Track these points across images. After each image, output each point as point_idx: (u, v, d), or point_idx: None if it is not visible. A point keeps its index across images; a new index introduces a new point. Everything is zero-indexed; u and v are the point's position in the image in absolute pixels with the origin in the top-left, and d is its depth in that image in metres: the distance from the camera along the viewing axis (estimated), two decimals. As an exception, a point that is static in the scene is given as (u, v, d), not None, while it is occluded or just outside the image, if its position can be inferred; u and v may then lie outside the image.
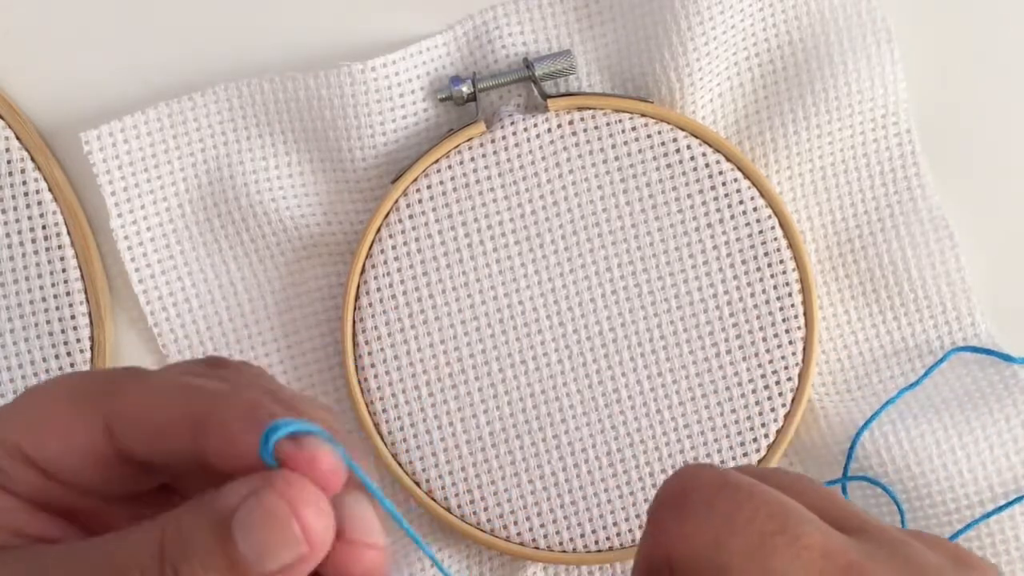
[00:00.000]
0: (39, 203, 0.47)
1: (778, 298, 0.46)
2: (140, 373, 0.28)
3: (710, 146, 0.46)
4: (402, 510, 0.48)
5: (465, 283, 0.46)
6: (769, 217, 0.46)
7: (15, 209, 0.47)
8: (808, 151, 0.47)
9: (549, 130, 0.46)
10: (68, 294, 0.47)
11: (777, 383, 0.45)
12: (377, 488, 0.25)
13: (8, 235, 0.47)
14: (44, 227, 0.47)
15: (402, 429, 0.46)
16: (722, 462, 0.45)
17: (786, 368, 0.46)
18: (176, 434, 0.26)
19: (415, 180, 0.46)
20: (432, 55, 0.47)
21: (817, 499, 0.26)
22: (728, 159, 0.46)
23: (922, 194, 0.48)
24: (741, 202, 0.46)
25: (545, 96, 0.46)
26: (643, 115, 0.46)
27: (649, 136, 0.46)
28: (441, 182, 0.46)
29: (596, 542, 0.46)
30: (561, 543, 0.46)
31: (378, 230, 0.46)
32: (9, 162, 0.47)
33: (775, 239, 0.46)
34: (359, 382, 0.46)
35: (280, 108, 0.47)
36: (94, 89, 0.49)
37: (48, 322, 0.47)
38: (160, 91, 0.48)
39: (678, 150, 0.46)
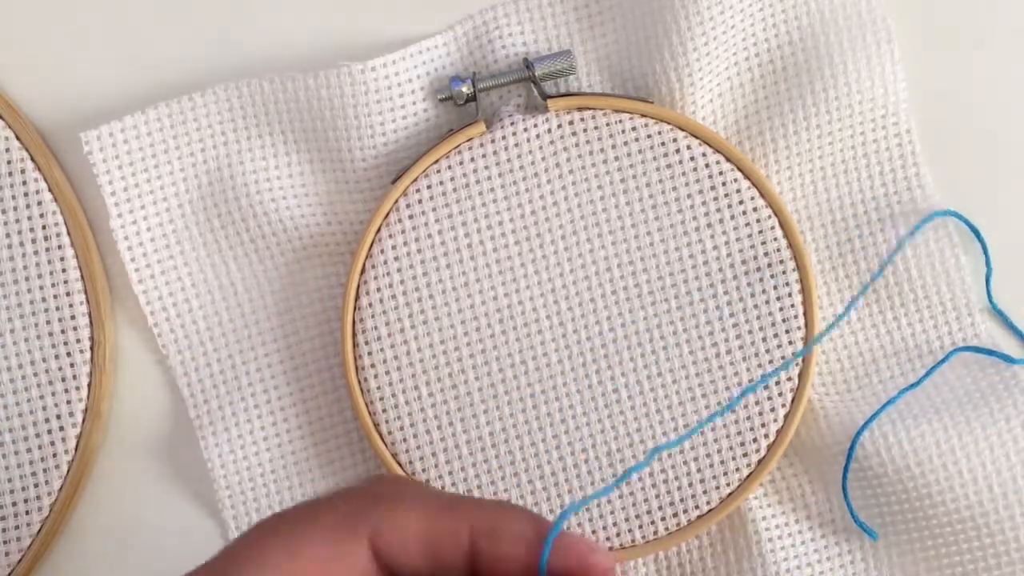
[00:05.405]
0: (39, 203, 0.47)
1: (778, 298, 0.46)
2: (398, 486, 0.29)
3: (710, 146, 0.46)
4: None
5: (465, 283, 0.46)
6: (769, 217, 0.46)
7: (15, 209, 0.47)
8: (808, 151, 0.47)
9: (549, 130, 0.46)
10: (68, 294, 0.47)
11: (777, 383, 0.45)
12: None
13: (8, 235, 0.47)
14: (44, 227, 0.47)
15: (402, 429, 0.46)
16: (722, 462, 0.45)
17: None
18: (452, 544, 0.28)
19: (415, 180, 0.46)
20: (432, 55, 0.47)
21: None
22: (728, 159, 0.46)
23: (922, 194, 0.48)
24: (741, 202, 0.46)
25: (545, 96, 0.46)
26: (643, 115, 0.46)
27: (649, 136, 0.46)
28: (441, 182, 0.46)
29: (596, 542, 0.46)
30: (561, 543, 0.46)
31: (378, 230, 0.46)
32: (9, 162, 0.47)
33: (775, 239, 0.46)
34: (359, 382, 0.46)
35: (280, 108, 0.47)
36: (94, 89, 0.49)
37: (48, 322, 0.47)
38: (160, 91, 0.48)
39: (678, 150, 0.46)
